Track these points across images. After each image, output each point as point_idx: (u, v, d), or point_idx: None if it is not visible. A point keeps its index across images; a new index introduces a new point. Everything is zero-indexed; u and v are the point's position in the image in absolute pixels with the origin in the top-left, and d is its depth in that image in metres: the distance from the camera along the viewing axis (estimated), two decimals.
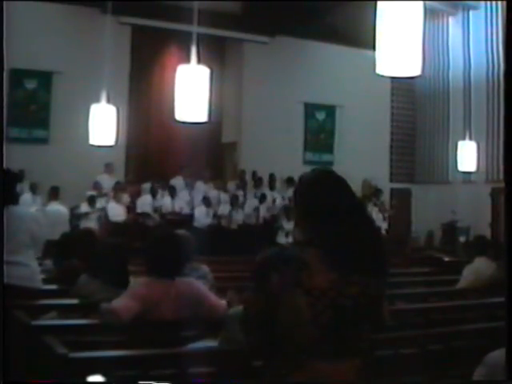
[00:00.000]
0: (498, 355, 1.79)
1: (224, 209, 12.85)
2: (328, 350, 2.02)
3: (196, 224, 12.23)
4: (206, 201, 12.74)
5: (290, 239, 12.02)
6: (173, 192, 12.59)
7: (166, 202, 12.58)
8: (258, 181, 13.78)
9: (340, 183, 2.18)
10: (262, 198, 13.19)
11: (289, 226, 12.34)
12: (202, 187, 13.28)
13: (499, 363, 1.76)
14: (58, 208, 10.97)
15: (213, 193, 13.27)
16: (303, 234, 2.20)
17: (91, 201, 11.58)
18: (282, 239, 12.29)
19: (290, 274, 2.03)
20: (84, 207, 11.59)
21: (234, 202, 12.87)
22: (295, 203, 2.29)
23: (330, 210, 2.11)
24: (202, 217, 12.53)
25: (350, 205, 2.14)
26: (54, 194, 11.17)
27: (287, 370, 2.06)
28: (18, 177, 4.85)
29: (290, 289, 2.02)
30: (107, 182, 12.40)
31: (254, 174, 13.92)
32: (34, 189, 11.46)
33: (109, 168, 12.65)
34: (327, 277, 2.03)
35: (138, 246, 4.93)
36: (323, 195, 2.14)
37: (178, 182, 13.10)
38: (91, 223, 10.91)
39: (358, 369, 2.05)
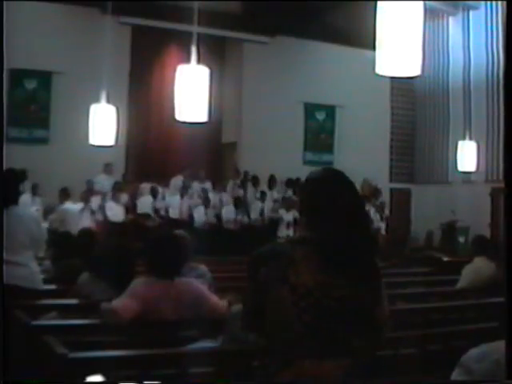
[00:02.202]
0: (472, 355, 1.81)
1: (227, 211, 12.84)
2: (314, 349, 2.03)
3: (196, 224, 12.25)
4: (206, 201, 12.74)
5: (291, 231, 12.09)
6: (184, 192, 12.58)
7: (172, 201, 12.57)
8: (254, 180, 13.80)
9: (346, 184, 2.17)
10: (263, 196, 13.22)
11: (288, 216, 12.38)
12: (200, 187, 13.29)
13: (475, 361, 1.78)
14: (74, 207, 11.00)
15: (213, 193, 13.29)
16: (301, 231, 2.22)
17: (84, 198, 11.40)
18: (283, 231, 12.33)
19: (277, 270, 2.05)
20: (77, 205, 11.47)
21: (238, 203, 12.88)
22: (300, 200, 2.29)
23: (331, 211, 2.11)
24: (202, 217, 12.53)
25: (351, 207, 2.13)
26: (66, 194, 11.15)
27: (275, 369, 2.07)
28: (20, 177, 4.85)
29: (277, 284, 2.04)
30: (105, 181, 12.39)
31: (245, 174, 13.96)
32: (34, 189, 11.45)
33: (108, 168, 12.63)
34: (314, 276, 2.04)
35: (137, 247, 4.93)
36: (326, 195, 2.14)
37: (178, 181, 13.09)
38: (88, 222, 10.87)
39: (346, 369, 2.05)
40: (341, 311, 2.03)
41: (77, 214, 10.76)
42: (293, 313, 2.02)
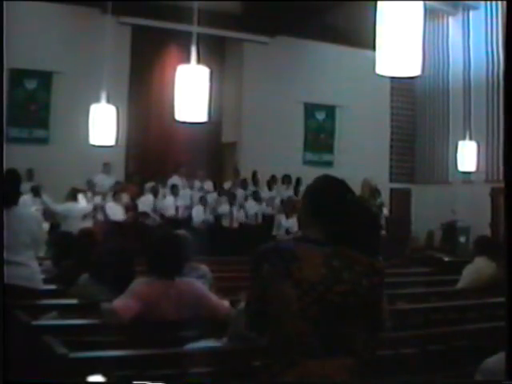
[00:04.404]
0: (493, 361, 1.79)
1: (224, 208, 12.85)
2: (318, 346, 2.03)
3: (194, 224, 12.24)
4: (204, 201, 12.74)
5: (290, 237, 12.04)
6: (175, 191, 12.58)
7: (166, 201, 12.57)
8: (255, 180, 13.79)
9: (348, 191, 2.26)
10: (256, 195, 13.20)
11: (287, 223, 12.34)
12: (198, 186, 13.29)
13: (496, 369, 1.76)
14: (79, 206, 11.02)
15: (211, 193, 13.30)
16: (304, 230, 2.23)
17: (72, 195, 11.18)
18: (281, 237, 12.28)
19: (280, 266, 2.06)
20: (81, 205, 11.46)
21: (232, 199, 12.85)
22: (305, 204, 2.31)
23: (337, 214, 2.18)
24: (200, 217, 12.53)
25: (355, 210, 2.24)
26: (78, 192, 11.14)
27: (279, 369, 2.07)
28: (27, 177, 4.87)
29: (280, 280, 2.05)
30: (104, 181, 12.39)
31: (254, 174, 13.94)
32: (35, 189, 11.42)
33: (106, 168, 12.65)
34: (318, 271, 2.05)
35: (138, 246, 4.93)
36: (334, 201, 2.20)
37: (175, 181, 13.08)
38: (90, 222, 10.87)
39: (349, 368, 2.05)
40: (344, 306, 2.04)
41: (81, 214, 10.78)
42: (297, 308, 2.03)
